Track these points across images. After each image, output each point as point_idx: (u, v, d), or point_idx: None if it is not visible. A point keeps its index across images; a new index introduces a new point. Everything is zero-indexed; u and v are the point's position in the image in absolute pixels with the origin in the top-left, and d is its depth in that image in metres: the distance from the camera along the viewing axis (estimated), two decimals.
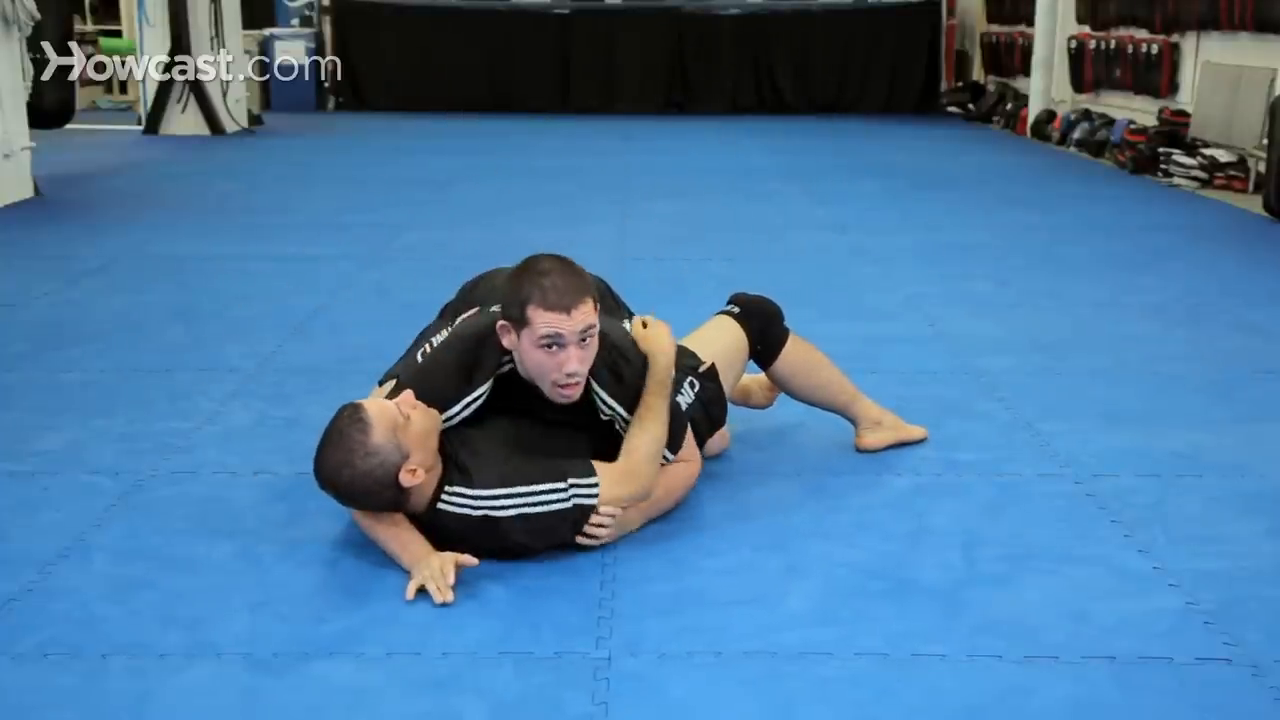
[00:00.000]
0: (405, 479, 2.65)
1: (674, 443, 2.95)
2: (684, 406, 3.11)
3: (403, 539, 2.71)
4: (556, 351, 2.70)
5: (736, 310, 3.39)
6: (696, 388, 3.19)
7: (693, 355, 3.25)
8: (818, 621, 2.52)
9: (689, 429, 3.04)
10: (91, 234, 6.84)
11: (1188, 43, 9.76)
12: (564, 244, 6.58)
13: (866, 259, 6.24)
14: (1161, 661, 2.37)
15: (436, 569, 2.61)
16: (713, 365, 3.24)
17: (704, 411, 3.18)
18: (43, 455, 3.43)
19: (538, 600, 2.61)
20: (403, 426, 2.64)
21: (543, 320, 2.66)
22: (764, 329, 3.38)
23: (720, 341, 3.33)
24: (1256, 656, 2.39)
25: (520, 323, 2.70)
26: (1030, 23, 12.64)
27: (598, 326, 2.75)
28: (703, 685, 2.29)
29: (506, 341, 2.76)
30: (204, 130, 11.58)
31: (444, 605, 2.55)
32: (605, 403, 2.87)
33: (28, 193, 7.92)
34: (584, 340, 2.71)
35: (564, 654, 2.40)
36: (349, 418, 2.65)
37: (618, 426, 2.90)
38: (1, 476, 3.28)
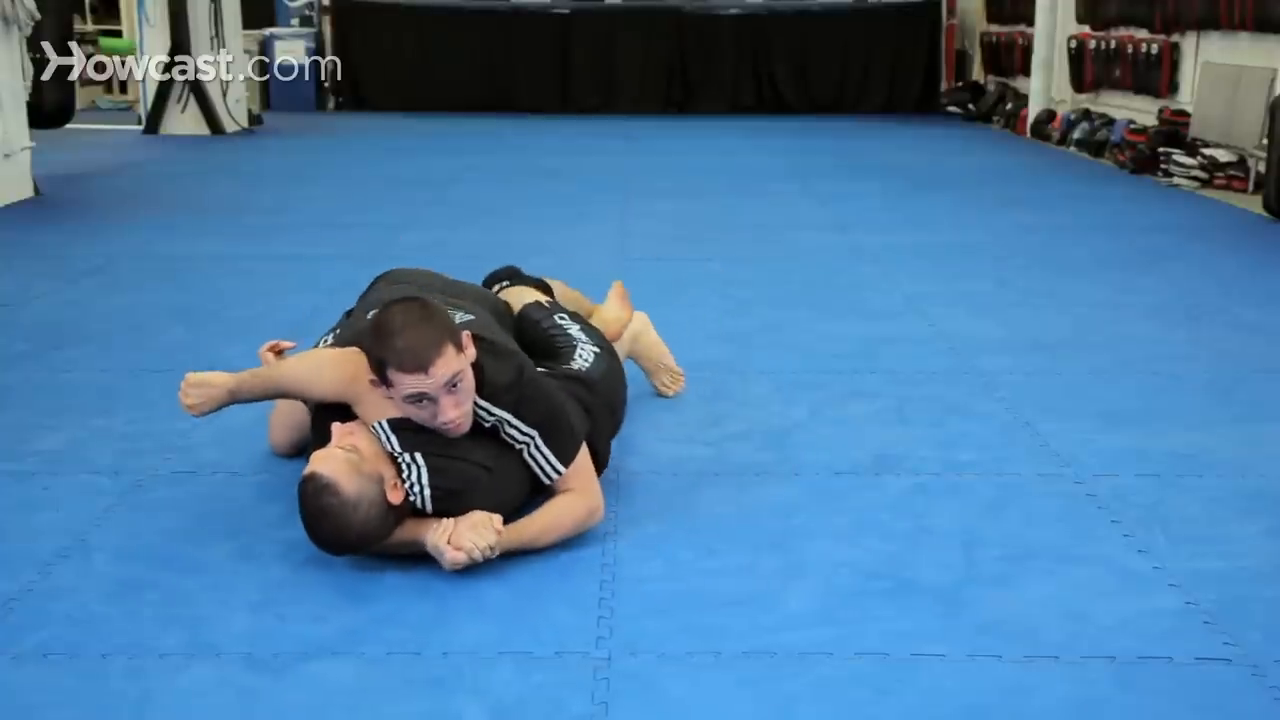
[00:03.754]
0: (394, 498, 2.66)
1: (563, 454, 2.81)
2: (595, 349, 3.23)
3: (411, 529, 2.72)
4: (427, 404, 2.65)
5: (508, 283, 3.59)
6: (566, 315, 3.37)
7: (530, 306, 3.40)
8: (818, 621, 2.52)
9: (584, 452, 2.88)
10: (91, 234, 6.84)
11: (1188, 43, 9.76)
12: (564, 244, 6.63)
13: (866, 259, 6.24)
14: (1161, 661, 2.37)
15: (481, 519, 2.66)
16: (549, 297, 3.47)
17: (593, 333, 3.35)
18: (43, 455, 3.43)
19: (537, 600, 2.61)
20: (357, 461, 2.64)
21: (404, 383, 2.61)
22: (524, 278, 3.62)
23: (526, 293, 3.50)
24: (1256, 656, 2.39)
25: (385, 383, 2.66)
26: (1030, 23, 12.64)
27: (466, 369, 2.66)
28: (702, 685, 2.29)
29: (380, 394, 2.71)
30: (204, 130, 11.58)
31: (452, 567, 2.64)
32: (485, 410, 2.77)
33: (28, 192, 7.92)
34: (453, 387, 2.64)
35: (564, 654, 2.40)
36: (314, 491, 2.61)
37: (503, 434, 2.78)
38: (1, 476, 3.28)
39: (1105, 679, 2.32)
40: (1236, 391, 4.06)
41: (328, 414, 2.84)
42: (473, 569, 2.66)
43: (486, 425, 2.77)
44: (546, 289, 3.60)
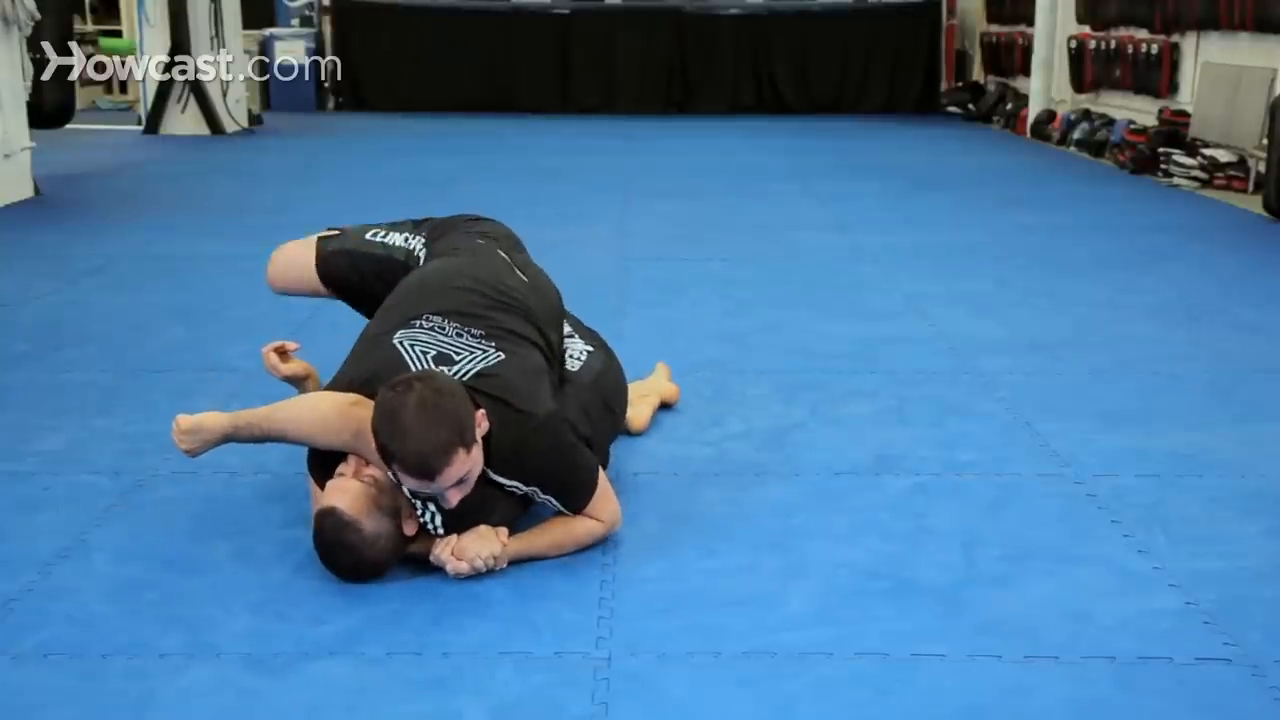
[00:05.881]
0: (409, 530, 2.67)
1: (571, 503, 2.78)
2: (586, 349, 3.17)
3: (419, 543, 2.73)
4: (429, 495, 2.60)
5: None
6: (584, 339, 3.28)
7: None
8: (818, 621, 2.52)
9: (602, 479, 2.82)
10: (91, 234, 6.84)
11: (1188, 43, 9.76)
12: (564, 243, 6.64)
13: (866, 259, 6.24)
14: (1161, 661, 2.37)
15: (486, 532, 2.67)
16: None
17: (582, 330, 3.27)
18: (43, 455, 3.43)
19: (538, 600, 2.61)
20: (375, 494, 2.62)
21: (409, 482, 2.54)
22: None
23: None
24: (1256, 656, 2.39)
25: (388, 466, 2.55)
26: (1030, 23, 12.63)
27: (475, 464, 2.56)
28: (702, 685, 2.29)
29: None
30: (204, 130, 11.58)
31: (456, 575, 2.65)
32: (499, 482, 2.73)
33: (28, 193, 7.92)
34: (459, 483, 2.55)
35: (564, 654, 2.40)
36: (335, 527, 2.59)
37: (520, 496, 2.76)
38: (1, 476, 3.28)
39: (1105, 679, 2.32)
40: (1236, 391, 4.06)
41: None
42: None
43: (489, 479, 2.70)
44: None
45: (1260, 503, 3.14)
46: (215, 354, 4.41)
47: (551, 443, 2.73)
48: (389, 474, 2.61)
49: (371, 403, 2.60)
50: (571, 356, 3.18)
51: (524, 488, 2.73)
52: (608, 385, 3.19)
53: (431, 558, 2.68)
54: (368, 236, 3.33)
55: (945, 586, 2.68)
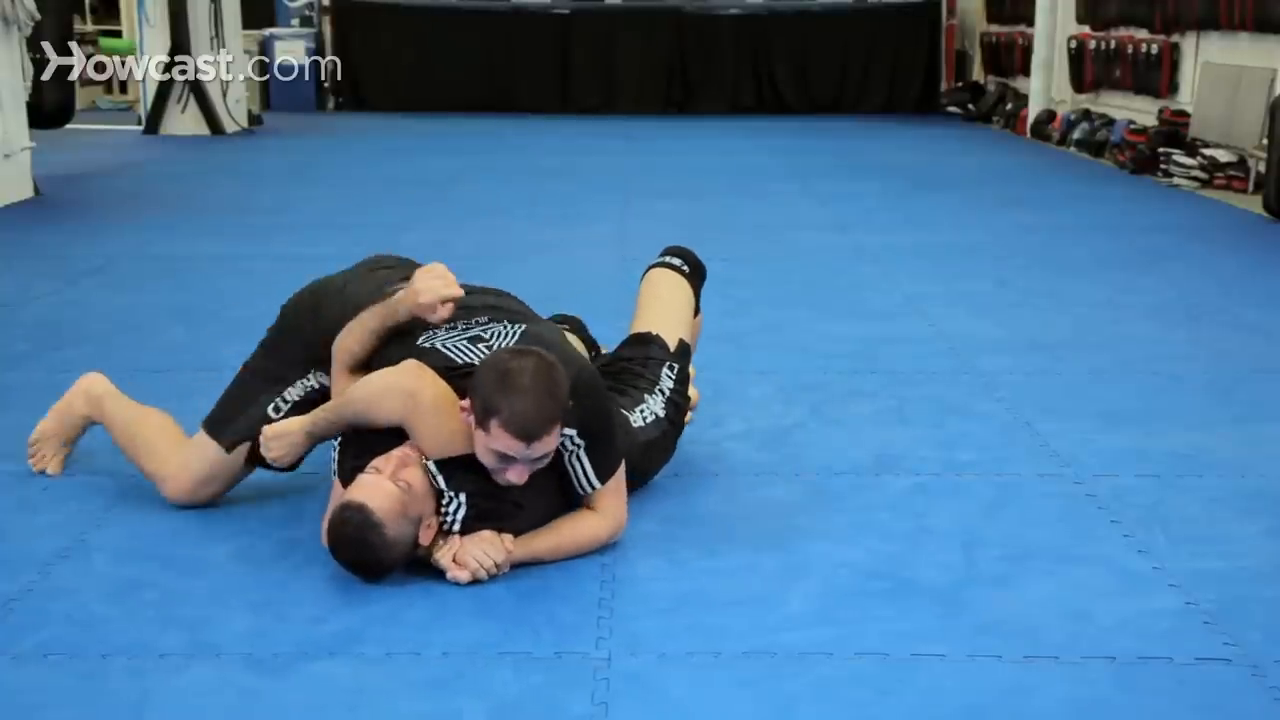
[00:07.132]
0: (424, 539, 2.67)
1: (603, 470, 2.76)
2: (659, 413, 3.08)
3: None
4: (506, 462, 2.59)
5: (686, 269, 3.41)
6: (675, 372, 3.19)
7: (657, 339, 3.23)
8: (818, 621, 2.52)
9: (619, 476, 2.82)
10: (91, 234, 6.85)
11: (1188, 43, 9.76)
12: (564, 244, 6.63)
13: (866, 259, 6.24)
14: (1161, 661, 2.38)
15: (490, 537, 2.66)
16: (683, 343, 3.27)
17: (676, 403, 3.16)
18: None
19: (538, 600, 2.61)
20: (407, 501, 2.61)
21: (502, 441, 2.53)
22: (699, 291, 3.44)
23: (682, 306, 3.34)
24: (1256, 656, 2.39)
25: (481, 424, 2.56)
26: (1030, 23, 12.64)
27: (551, 453, 2.62)
28: (702, 685, 2.29)
29: (464, 416, 2.63)
30: (204, 130, 11.58)
31: (460, 582, 2.63)
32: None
33: (28, 193, 7.92)
34: (538, 460, 2.60)
35: (564, 654, 2.40)
36: (361, 524, 2.57)
37: (561, 448, 2.71)
38: (1, 476, 3.28)
39: (1105, 679, 2.32)
40: (1236, 391, 4.06)
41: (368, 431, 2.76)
42: None
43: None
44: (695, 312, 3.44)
45: (1260, 503, 3.14)
46: (215, 354, 4.40)
47: (590, 385, 2.74)
48: (477, 430, 2.56)
49: (440, 380, 2.68)
50: (640, 411, 3.09)
51: (574, 438, 2.70)
52: (652, 453, 3.10)
53: (433, 560, 2.68)
54: (269, 411, 3.03)
55: (945, 586, 2.68)
